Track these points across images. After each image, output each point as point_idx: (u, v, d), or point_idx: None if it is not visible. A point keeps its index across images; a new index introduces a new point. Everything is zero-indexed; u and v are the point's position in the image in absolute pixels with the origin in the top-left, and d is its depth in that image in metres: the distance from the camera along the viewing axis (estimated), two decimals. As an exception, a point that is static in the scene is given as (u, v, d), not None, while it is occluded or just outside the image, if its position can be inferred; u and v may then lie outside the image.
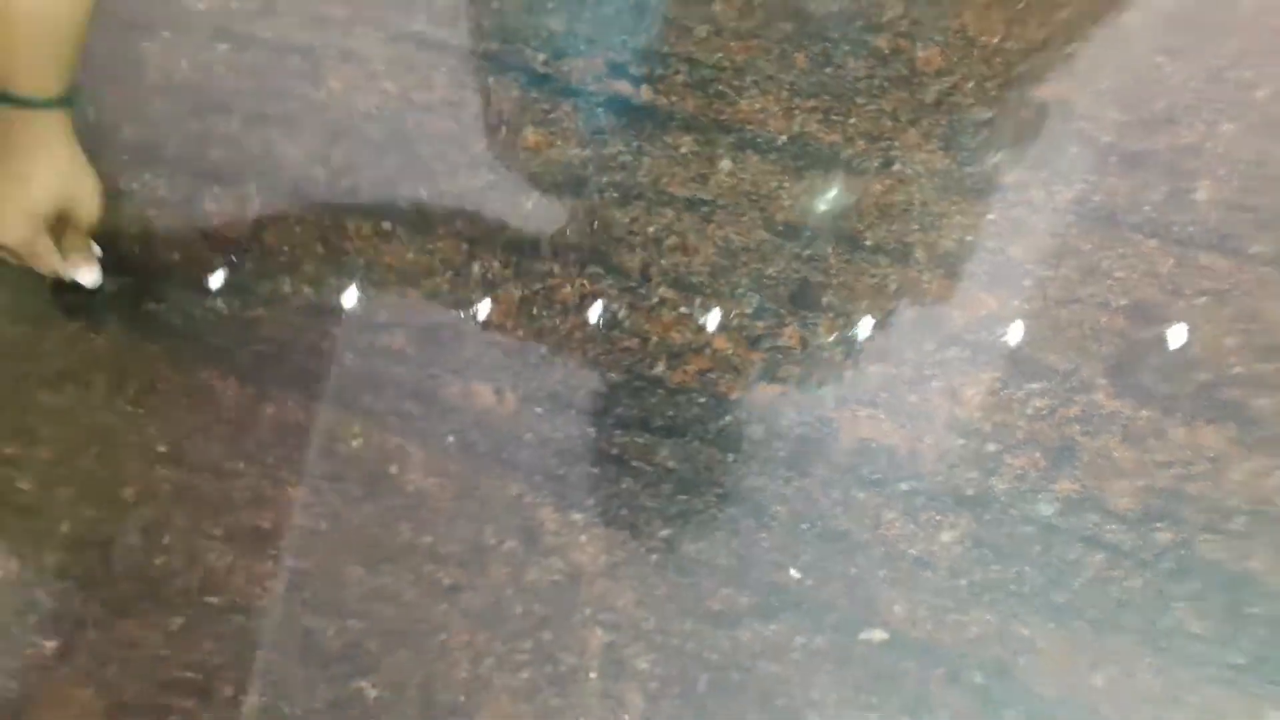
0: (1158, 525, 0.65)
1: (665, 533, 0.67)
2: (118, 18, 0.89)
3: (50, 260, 0.72)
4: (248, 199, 0.80)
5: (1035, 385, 0.70)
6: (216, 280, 0.77)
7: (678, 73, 0.82)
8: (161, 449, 0.72)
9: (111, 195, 0.79)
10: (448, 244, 0.77)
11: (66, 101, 0.67)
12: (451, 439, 0.71)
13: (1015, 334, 0.71)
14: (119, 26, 0.88)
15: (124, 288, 0.77)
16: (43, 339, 0.76)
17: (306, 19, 0.87)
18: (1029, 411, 0.69)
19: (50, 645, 0.67)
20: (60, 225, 0.71)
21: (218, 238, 0.79)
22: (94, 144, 0.83)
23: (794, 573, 0.66)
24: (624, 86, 0.82)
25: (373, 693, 0.65)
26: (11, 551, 0.69)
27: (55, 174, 0.68)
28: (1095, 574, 0.64)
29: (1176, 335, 0.70)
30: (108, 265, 0.77)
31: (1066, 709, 0.62)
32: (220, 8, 0.89)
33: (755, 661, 0.64)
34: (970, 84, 0.80)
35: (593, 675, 0.64)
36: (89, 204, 0.71)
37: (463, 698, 0.64)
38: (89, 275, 0.76)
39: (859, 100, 0.80)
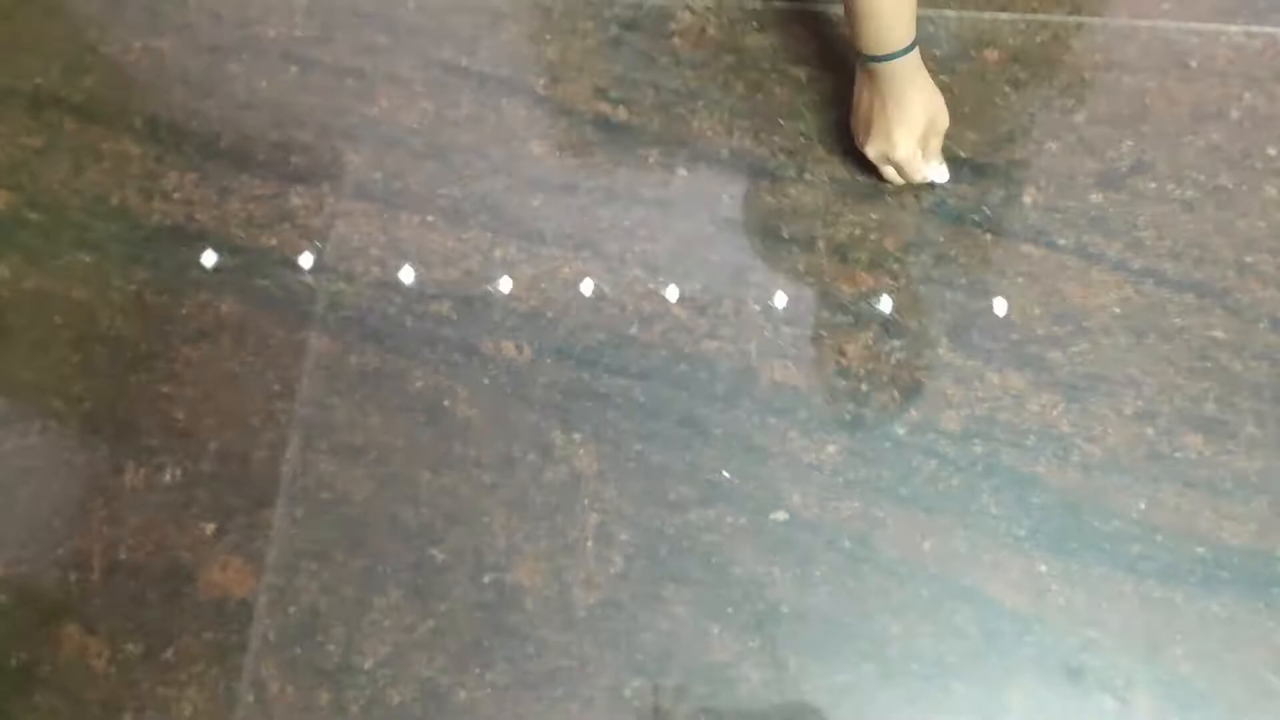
0: (974, 442, 0.95)
1: (638, 448, 0.97)
2: (205, 44, 1.13)
3: (918, 167, 1.00)
4: (324, 196, 1.06)
5: (896, 342, 0.99)
6: (306, 261, 1.04)
7: (646, 96, 1.09)
8: (277, 388, 1.00)
9: (217, 191, 1.06)
10: (476, 234, 1.05)
11: (913, 45, 0.94)
12: (487, 381, 0.99)
13: (885, 304, 1.00)
14: (207, 50, 1.13)
15: (238, 266, 1.04)
16: (180, 306, 1.03)
17: (357, 46, 1.12)
18: (891, 362, 0.98)
19: (209, 527, 0.96)
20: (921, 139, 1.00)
21: (304, 227, 1.05)
22: (199, 150, 1.09)
23: (725, 474, 0.96)
24: (605, 107, 1.09)
25: (440, 556, 0.95)
26: (176, 463, 0.98)
27: (922, 100, 0.97)
28: (930, 474, 0.95)
29: (999, 306, 1.00)
30: (222, 248, 1.04)
31: (906, 566, 0.93)
32: (286, 35, 1.13)
33: (699, 535, 0.94)
34: (865, 109, 1.07)
35: (589, 544, 0.95)
36: (942, 116, 0.99)
37: (502, 559, 0.94)
38: (941, 174, 1.04)
39: (781, 121, 1.07)
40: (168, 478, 0.98)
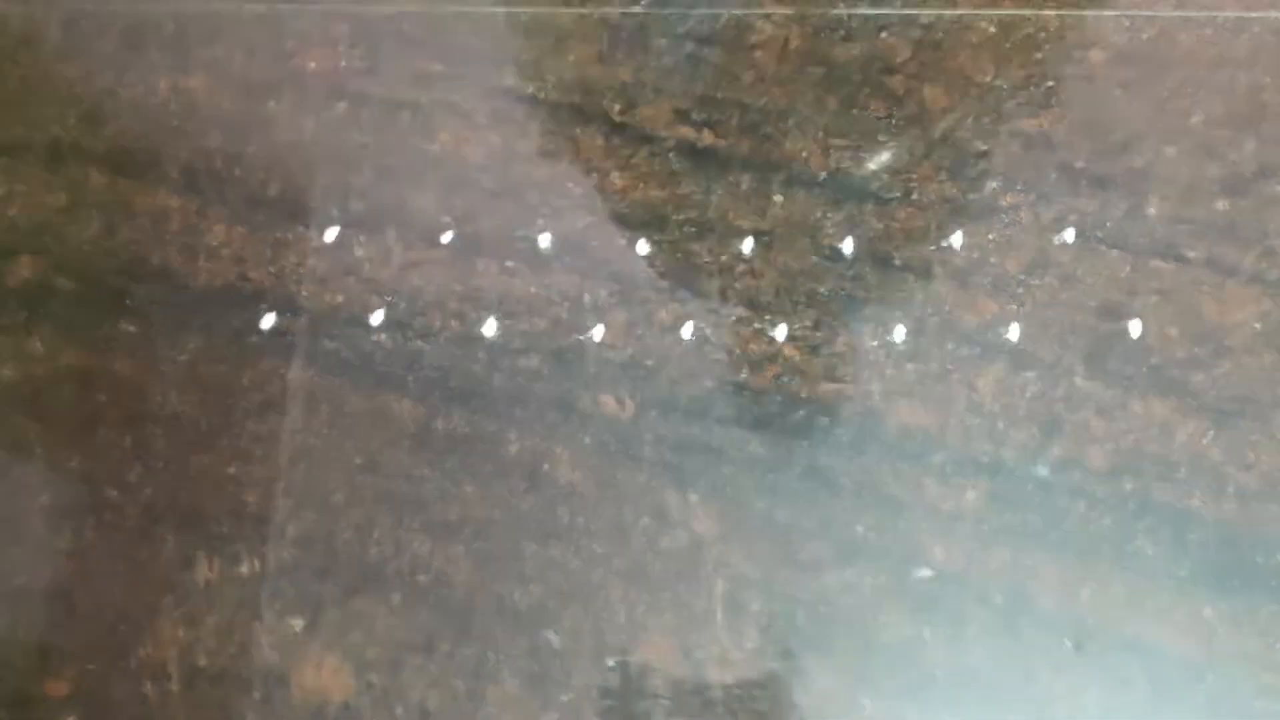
0: (1124, 478, 0.89)
1: (761, 505, 0.89)
2: (240, 80, 1.03)
3: None
4: (389, 245, 0.97)
5: (1030, 373, 0.92)
6: (377, 318, 0.95)
7: (731, 117, 1.00)
8: (358, 461, 0.91)
9: (273, 245, 0.96)
10: (561, 278, 0.96)
11: None
12: (588, 440, 0.91)
13: (1013, 333, 0.93)
14: (243, 88, 1.03)
15: (301, 328, 0.95)
16: (241, 376, 0.94)
17: (410, 76, 1.03)
18: (1027, 395, 0.91)
19: (298, 623, 0.87)
20: None
21: (371, 280, 0.96)
22: (244, 200, 0.99)
23: (860, 529, 0.88)
24: (688, 132, 1.00)
25: (556, 639, 0.86)
26: (253, 552, 0.89)
27: None
28: (1079, 516, 0.88)
29: (1134, 328, 0.93)
30: (282, 309, 0.95)
31: (1061, 616, 0.86)
32: (330, 67, 1.03)
33: (838, 598, 0.87)
34: (969, 120, 1.00)
35: (719, 616, 0.87)
36: None
37: (624, 638, 0.86)
38: None
39: (881, 138, 0.99)
40: (245, 569, 0.88)
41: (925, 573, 0.87)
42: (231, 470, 0.91)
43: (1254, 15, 1.03)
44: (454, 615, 0.87)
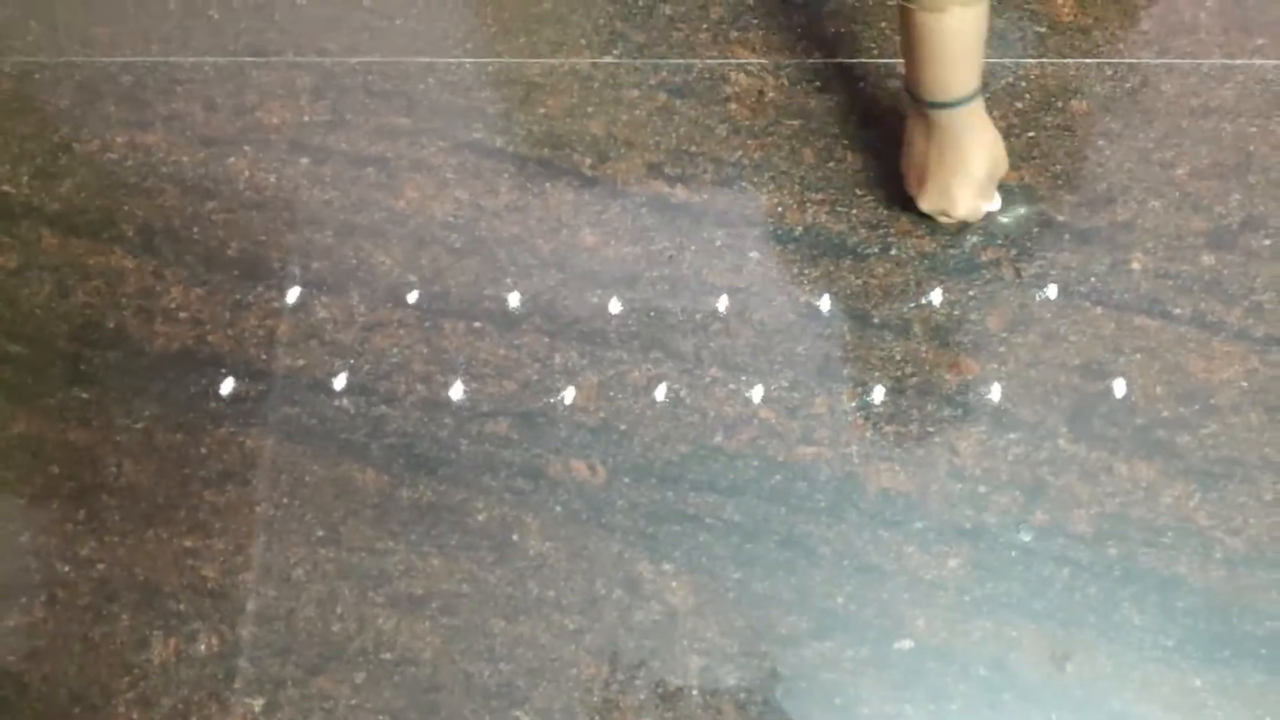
0: (1109, 544, 0.86)
1: (738, 575, 0.86)
2: (200, 136, 1.00)
3: (980, 213, 0.93)
4: (354, 306, 0.94)
5: (1012, 435, 0.89)
6: (340, 383, 0.92)
7: (705, 171, 0.98)
8: (320, 533, 0.88)
9: (233, 308, 0.93)
10: (531, 338, 0.93)
11: (978, 91, 0.85)
12: (559, 508, 0.88)
13: (995, 393, 0.91)
14: (202, 143, 1.00)
15: (261, 394, 0.92)
16: (198, 444, 0.91)
17: (376, 130, 1.00)
18: (1009, 458, 0.89)
19: (258, 704, 0.84)
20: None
21: (334, 344, 0.93)
22: (203, 260, 0.96)
23: (840, 600, 0.86)
24: (662, 186, 0.98)
25: (526, 719, 0.84)
26: (212, 629, 0.86)
27: (984, 150, 0.88)
28: (1063, 585, 0.85)
29: (1119, 387, 0.91)
30: (241, 374, 0.92)
31: (1046, 690, 0.83)
32: (293, 121, 1.01)
33: (817, 672, 0.84)
34: (949, 173, 0.97)
35: (694, 693, 0.84)
36: (1002, 165, 0.91)
37: (597, 717, 0.83)
38: (995, 202, 0.95)
39: (859, 192, 0.97)
40: (203, 648, 0.85)
41: (906, 645, 0.85)
42: (189, 544, 0.88)
43: (1238, 63, 1.01)
44: (420, 694, 0.84)
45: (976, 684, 0.83)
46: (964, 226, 0.95)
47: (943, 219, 0.93)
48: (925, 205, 0.91)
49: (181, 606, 0.86)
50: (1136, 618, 0.84)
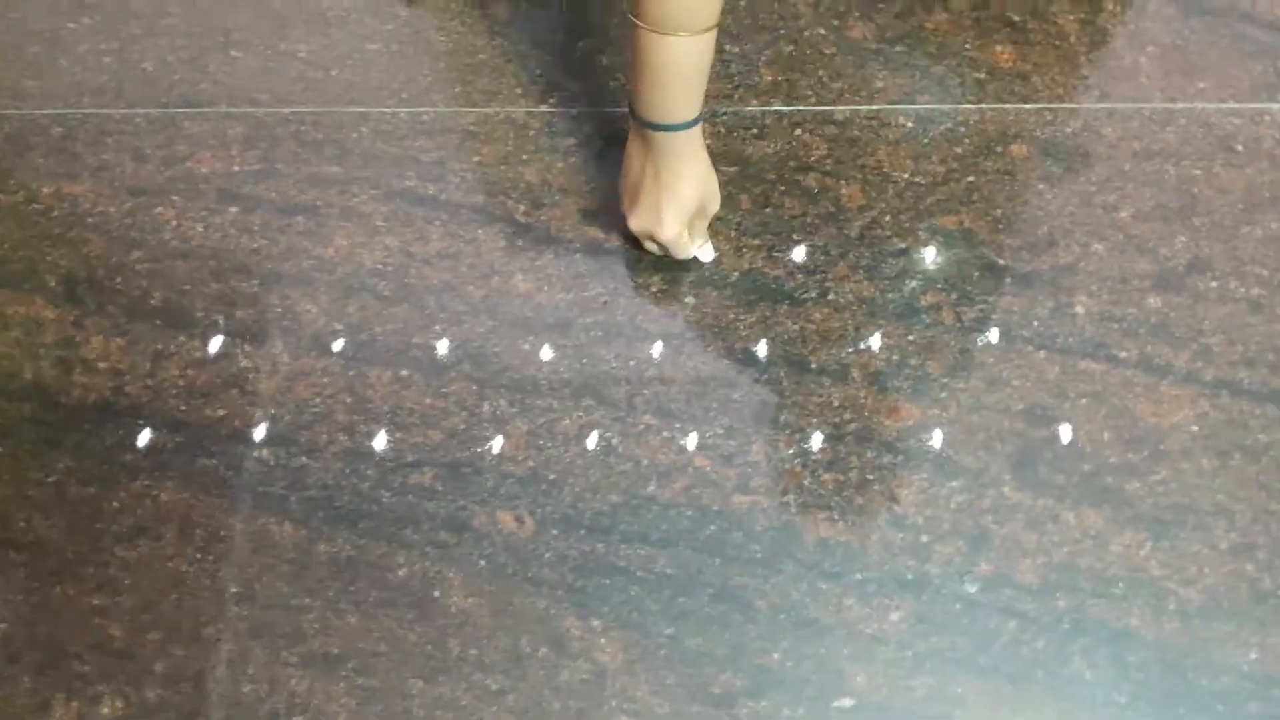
0: (1057, 595, 0.82)
1: (669, 631, 0.82)
2: (128, 186, 0.99)
3: (684, 246, 0.92)
4: (277, 356, 0.92)
5: (955, 483, 0.86)
6: (260, 433, 0.89)
7: (641, 217, 0.96)
8: (234, 590, 0.84)
9: (153, 358, 0.91)
10: (459, 386, 0.91)
11: (697, 120, 0.84)
12: (483, 562, 0.85)
13: (936, 439, 0.88)
14: (129, 193, 0.98)
15: (179, 445, 0.88)
16: (111, 498, 0.87)
17: (306, 179, 0.99)
18: (952, 506, 0.86)
19: (162, 770, 0.80)
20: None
21: (255, 394, 0.90)
22: (125, 310, 0.94)
23: (776, 656, 0.81)
24: (596, 233, 0.96)
25: (444, 786, 0.79)
26: (116, 692, 0.81)
27: (697, 179, 0.88)
28: (1010, 638, 0.82)
29: (1064, 433, 0.88)
30: (159, 425, 0.89)
31: (995, 749, 0.79)
32: (223, 171, 0.99)
33: (752, 733, 0.80)
34: (887, 217, 0.96)
35: (623, 756, 0.80)
36: (714, 201, 0.91)
37: (519, 783, 0.79)
38: (707, 253, 0.95)
39: (795, 237, 0.95)
40: (106, 710, 0.81)
41: (846, 703, 0.80)
42: (96, 601, 0.84)
43: (1179, 106, 1.00)
44: (332, 760, 0.80)
45: (920, 744, 0.79)
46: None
47: (649, 244, 0.93)
48: (634, 224, 0.91)
49: (86, 668, 0.82)
50: (1087, 672, 0.80)
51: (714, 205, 0.91)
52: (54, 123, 1.02)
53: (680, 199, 0.88)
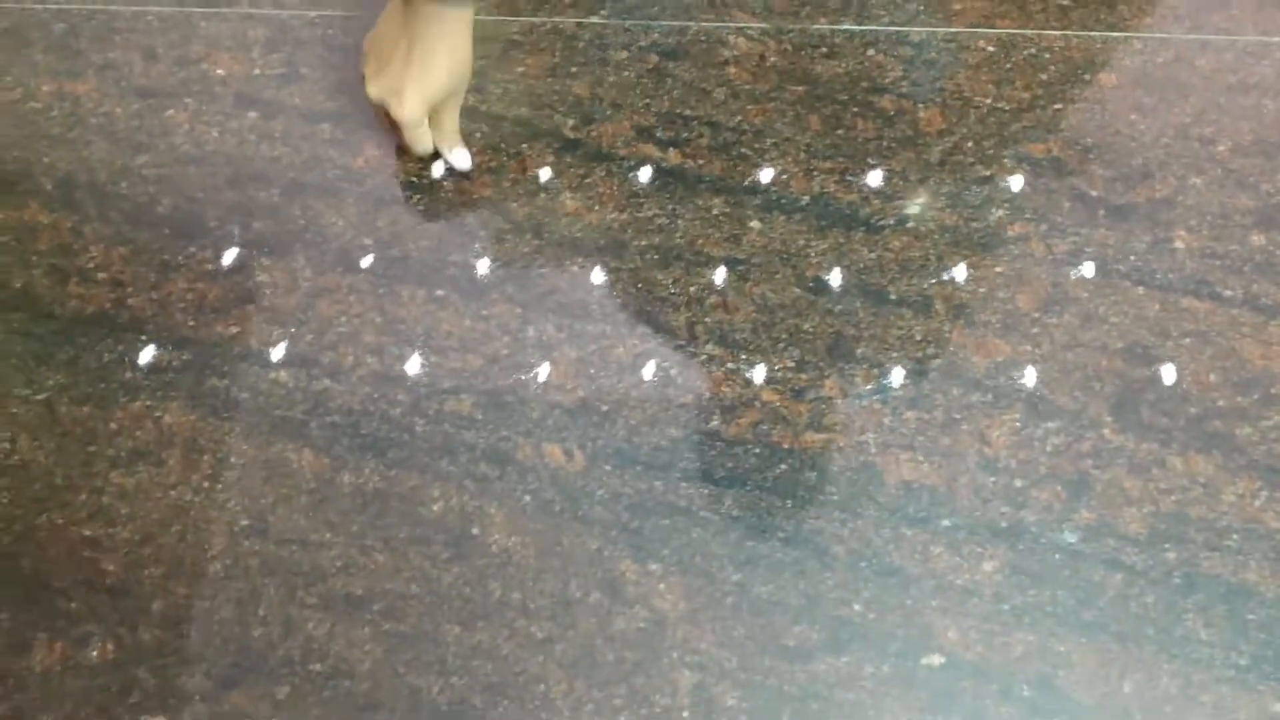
0: (1166, 546, 0.74)
1: (737, 577, 0.74)
2: (136, 86, 0.90)
3: (425, 142, 0.85)
4: (298, 270, 0.83)
5: (1051, 424, 0.78)
6: (278, 353, 0.80)
7: (701, 135, 0.88)
8: (245, 522, 0.74)
9: (159, 269, 0.81)
10: (501, 309, 0.82)
11: (472, 3, 0.79)
12: (528, 499, 0.76)
13: (1029, 378, 0.80)
14: (138, 94, 0.89)
15: (186, 364, 0.79)
16: (107, 418, 0.77)
17: (335, 85, 0.90)
18: (1048, 449, 0.78)
19: (157, 721, 0.70)
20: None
21: (273, 310, 0.81)
22: (129, 217, 0.85)
23: (857, 607, 0.73)
24: (653, 150, 0.88)
25: (482, 745, 0.69)
26: (106, 633, 0.71)
27: (453, 64, 0.80)
28: (1116, 592, 0.73)
29: (1167, 374, 0.80)
30: (164, 341, 0.79)
31: (1102, 714, 0.70)
32: (242, 74, 0.90)
33: (831, 691, 0.71)
34: (969, 144, 0.88)
35: (685, 714, 0.70)
36: (464, 84, 0.83)
37: (568, 743, 0.69)
38: (463, 159, 0.86)
39: (870, 160, 0.87)
40: (95, 654, 0.71)
41: (936, 660, 0.71)
42: (88, 532, 0.74)
43: (1274, 40, 0.94)
44: (355, 713, 0.69)
45: (1020, 706, 0.70)
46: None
47: (382, 118, 0.84)
48: (373, 91, 0.82)
49: (73, 605, 0.72)
50: (1203, 631, 0.72)
51: (462, 90, 0.83)
52: (56, 18, 0.93)
53: (428, 80, 0.80)
